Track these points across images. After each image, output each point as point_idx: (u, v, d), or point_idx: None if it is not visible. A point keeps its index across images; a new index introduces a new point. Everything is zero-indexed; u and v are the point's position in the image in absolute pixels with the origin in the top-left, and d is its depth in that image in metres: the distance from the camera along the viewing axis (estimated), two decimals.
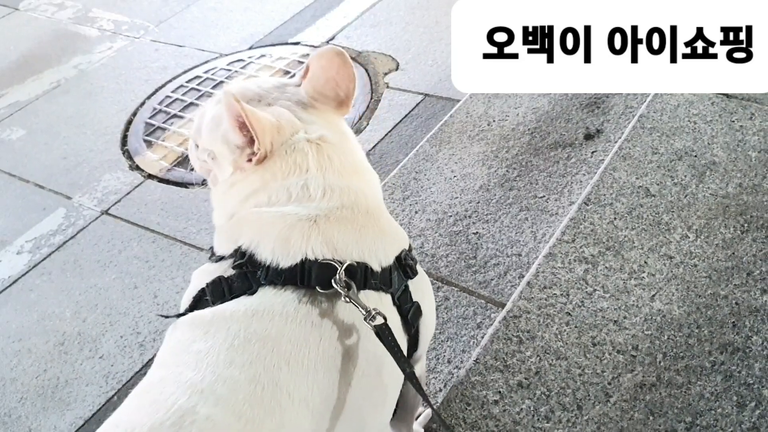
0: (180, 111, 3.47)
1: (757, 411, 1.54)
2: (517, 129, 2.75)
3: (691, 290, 1.80)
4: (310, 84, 1.25)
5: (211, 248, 1.21)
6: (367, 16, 4.06)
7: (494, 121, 2.81)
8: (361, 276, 1.13)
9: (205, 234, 2.75)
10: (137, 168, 3.18)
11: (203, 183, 3.02)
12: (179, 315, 1.14)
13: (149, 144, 3.30)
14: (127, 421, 0.97)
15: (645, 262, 1.87)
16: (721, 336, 1.69)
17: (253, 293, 1.10)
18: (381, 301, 1.16)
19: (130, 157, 3.25)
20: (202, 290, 1.15)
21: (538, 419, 1.54)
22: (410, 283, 1.22)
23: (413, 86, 3.45)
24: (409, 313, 1.21)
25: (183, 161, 3.16)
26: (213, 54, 3.93)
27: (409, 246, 1.28)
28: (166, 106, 3.53)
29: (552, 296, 1.80)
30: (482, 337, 1.89)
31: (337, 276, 1.09)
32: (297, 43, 3.91)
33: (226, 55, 3.89)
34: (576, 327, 1.72)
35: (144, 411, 0.97)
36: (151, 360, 2.34)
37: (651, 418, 1.54)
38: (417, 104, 3.32)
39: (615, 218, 1.99)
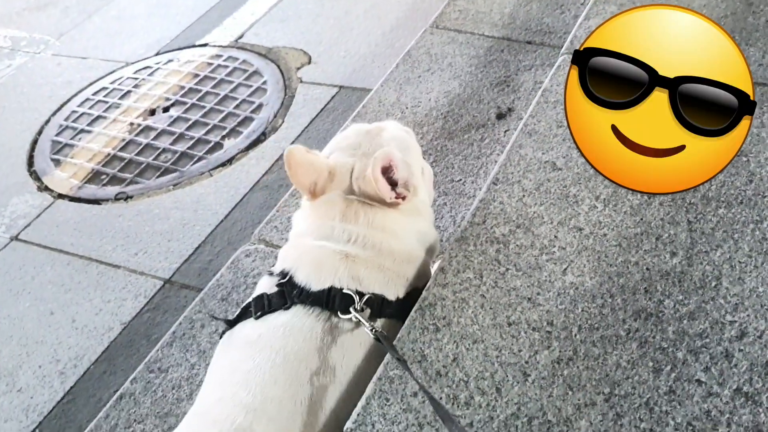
0: (87, 125, 3.34)
1: (673, 374, 1.55)
2: (430, 114, 2.73)
3: (602, 260, 1.80)
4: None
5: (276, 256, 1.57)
6: (275, 11, 3.99)
7: (407, 108, 2.79)
8: (377, 306, 1.44)
9: (121, 250, 2.66)
10: (46, 188, 3.06)
11: (116, 198, 2.91)
12: (228, 321, 1.44)
13: (57, 162, 3.17)
14: None
15: (555, 236, 1.86)
16: (634, 303, 1.70)
17: (287, 308, 1.38)
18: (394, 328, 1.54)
19: (37, 178, 3.12)
20: (249, 303, 1.45)
21: (458, 406, 1.53)
22: None
23: (327, 79, 3.41)
24: None
25: (94, 177, 3.05)
26: (118, 63, 3.80)
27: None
28: (73, 121, 3.40)
29: (466, 280, 1.78)
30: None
31: (356, 304, 1.38)
32: (205, 45, 3.82)
33: (132, 63, 3.78)
34: (491, 308, 1.71)
35: (207, 430, 1.22)
36: (73, 387, 2.26)
37: (570, 392, 1.54)
38: (332, 97, 3.28)
39: (524, 195, 1.99)
